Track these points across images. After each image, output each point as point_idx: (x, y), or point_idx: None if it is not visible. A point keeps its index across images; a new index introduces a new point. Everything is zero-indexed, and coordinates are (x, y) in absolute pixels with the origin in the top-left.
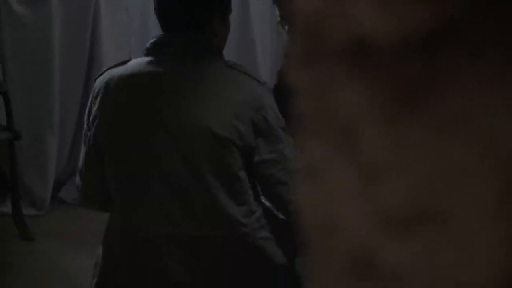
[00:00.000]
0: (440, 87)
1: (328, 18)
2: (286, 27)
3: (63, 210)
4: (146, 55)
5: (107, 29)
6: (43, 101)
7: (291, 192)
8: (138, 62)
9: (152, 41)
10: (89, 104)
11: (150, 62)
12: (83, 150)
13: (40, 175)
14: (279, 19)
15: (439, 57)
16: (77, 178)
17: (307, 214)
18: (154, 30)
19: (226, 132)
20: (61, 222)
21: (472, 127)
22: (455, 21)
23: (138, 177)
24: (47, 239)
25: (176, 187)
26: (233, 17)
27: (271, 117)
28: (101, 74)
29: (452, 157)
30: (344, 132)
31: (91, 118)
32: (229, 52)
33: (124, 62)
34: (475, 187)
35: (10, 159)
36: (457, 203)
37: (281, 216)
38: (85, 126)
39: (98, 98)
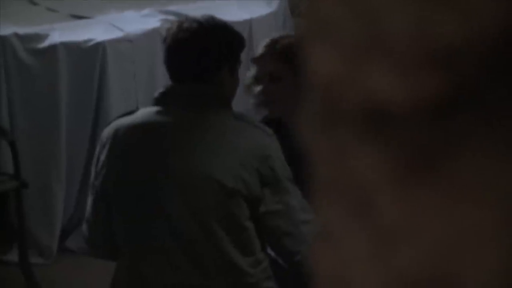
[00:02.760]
0: (455, 152)
1: (344, 83)
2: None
3: (70, 259)
4: (155, 104)
5: (114, 79)
6: (50, 150)
7: (296, 243)
8: (146, 111)
9: (161, 91)
10: (96, 153)
11: (158, 112)
12: (90, 199)
13: (47, 224)
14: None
15: (454, 122)
16: (84, 227)
17: (321, 277)
18: (161, 81)
19: (233, 183)
20: (68, 271)
21: (487, 192)
22: (469, 85)
23: (145, 227)
24: None
25: (183, 237)
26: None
27: (278, 167)
28: (109, 124)
29: (466, 222)
30: (359, 197)
31: (98, 167)
32: None
33: (132, 112)
34: (489, 252)
35: (17, 208)
36: (470, 268)
37: (286, 267)
38: (92, 175)
39: (106, 147)
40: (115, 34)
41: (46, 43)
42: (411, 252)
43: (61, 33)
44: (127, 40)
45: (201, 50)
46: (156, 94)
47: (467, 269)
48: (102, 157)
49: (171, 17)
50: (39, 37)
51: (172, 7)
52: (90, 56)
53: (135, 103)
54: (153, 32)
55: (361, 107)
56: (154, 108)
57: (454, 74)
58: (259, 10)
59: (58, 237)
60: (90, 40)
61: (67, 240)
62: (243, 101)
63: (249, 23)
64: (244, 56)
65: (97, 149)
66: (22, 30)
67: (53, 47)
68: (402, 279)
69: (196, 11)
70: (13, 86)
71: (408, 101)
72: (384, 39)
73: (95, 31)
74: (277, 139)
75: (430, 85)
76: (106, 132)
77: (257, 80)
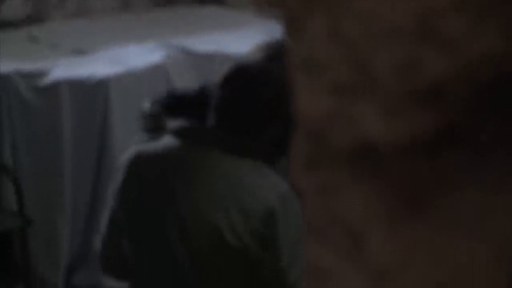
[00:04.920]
0: (445, 188)
1: (334, 122)
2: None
3: None
4: (180, 135)
5: (118, 114)
6: (54, 188)
7: None
8: (170, 143)
9: (192, 125)
10: (116, 173)
11: (181, 147)
12: (107, 215)
13: (52, 261)
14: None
15: (444, 160)
16: (98, 243)
17: None
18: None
19: (235, 241)
20: None
21: (479, 227)
22: (458, 123)
23: (150, 260)
24: None
25: (182, 282)
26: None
27: (283, 234)
28: (132, 149)
29: (459, 257)
30: (349, 236)
31: (116, 188)
32: None
33: (152, 139)
34: (483, 285)
35: (21, 246)
36: None
37: None
38: (109, 191)
39: (125, 171)
40: (118, 69)
41: (48, 80)
42: None
43: (64, 69)
44: (131, 75)
45: (245, 110)
46: (177, 125)
47: None
48: (119, 181)
49: (174, 51)
50: (41, 74)
51: (176, 41)
52: (93, 92)
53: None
54: (157, 66)
55: (351, 146)
56: (178, 141)
57: (442, 112)
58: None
59: (64, 274)
60: (92, 76)
61: (73, 277)
62: None
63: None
64: None
65: (119, 167)
66: (24, 67)
67: (55, 84)
68: None
69: (202, 44)
70: (15, 123)
71: (397, 139)
72: (373, 79)
73: (98, 66)
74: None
75: (419, 124)
76: (128, 155)
77: None
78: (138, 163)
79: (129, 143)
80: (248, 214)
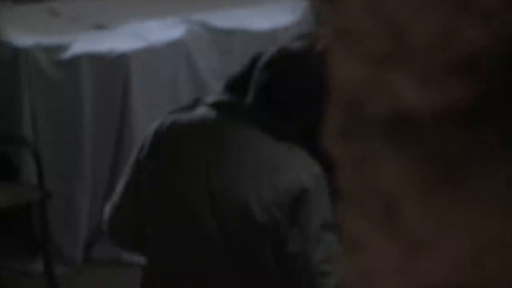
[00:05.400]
0: (480, 161)
1: (369, 91)
2: None
3: (95, 269)
4: (217, 109)
5: (138, 89)
6: (74, 161)
7: None
8: (205, 115)
9: (228, 99)
10: (144, 141)
11: (218, 121)
12: (122, 181)
13: (71, 234)
14: None
15: (479, 131)
16: (107, 209)
17: (349, 286)
18: (185, 91)
19: (263, 218)
20: (93, 282)
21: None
22: (494, 93)
23: (172, 232)
24: None
25: (207, 254)
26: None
27: (312, 212)
28: (164, 116)
29: (491, 231)
30: (384, 205)
31: (141, 155)
32: None
33: (188, 107)
34: None
35: (41, 218)
36: (498, 275)
37: None
38: (134, 159)
39: (154, 139)
40: (138, 45)
41: (69, 54)
42: (437, 261)
43: (84, 43)
44: (151, 51)
45: (290, 94)
46: (221, 98)
47: (496, 279)
48: (146, 149)
49: (194, 27)
50: (62, 48)
51: (196, 16)
52: (114, 67)
53: (159, 114)
54: (177, 42)
55: (386, 115)
56: (214, 114)
57: (477, 83)
58: (284, 19)
59: (83, 247)
60: (113, 50)
61: (92, 250)
62: None
63: (273, 32)
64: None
65: (147, 135)
66: (44, 41)
67: (76, 58)
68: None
69: (221, 19)
70: (36, 97)
71: (433, 109)
72: (409, 48)
73: (118, 41)
74: (324, 180)
75: (454, 94)
76: (160, 123)
77: None
78: (173, 131)
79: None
80: (280, 193)
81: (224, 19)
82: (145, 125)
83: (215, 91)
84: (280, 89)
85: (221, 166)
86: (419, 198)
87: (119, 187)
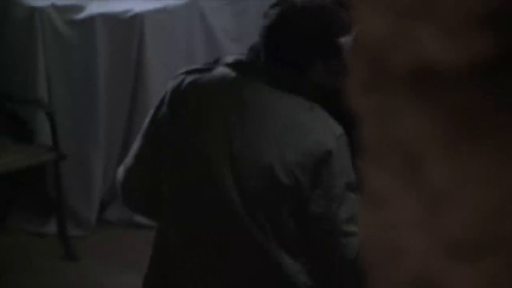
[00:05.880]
0: (503, 116)
1: (393, 44)
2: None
3: (109, 230)
4: (236, 68)
5: (152, 50)
6: (88, 122)
7: (334, 253)
8: (224, 75)
9: (243, 59)
10: (161, 100)
11: (237, 81)
12: (138, 142)
13: (85, 196)
14: None
15: (501, 86)
16: (120, 170)
17: (370, 241)
18: (200, 53)
19: (286, 179)
20: (107, 243)
21: None
22: None
23: (191, 197)
24: (92, 260)
25: (226, 214)
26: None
27: (336, 173)
28: (180, 75)
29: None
30: (407, 159)
31: (159, 115)
32: None
33: (206, 69)
34: None
35: (55, 180)
36: None
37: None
38: (149, 119)
39: (174, 100)
40: (153, 5)
41: (83, 15)
42: (460, 215)
43: (99, 4)
44: (165, 11)
45: (289, 40)
46: (231, 58)
47: None
48: (165, 108)
49: None
50: (77, 8)
51: None
52: (128, 27)
53: (173, 74)
54: (191, 2)
55: (409, 68)
56: (232, 75)
57: (501, 37)
58: None
59: (97, 209)
60: (128, 11)
61: (105, 212)
62: None
63: None
64: None
65: (165, 94)
66: (60, 1)
67: (90, 19)
68: (453, 242)
69: None
70: (51, 58)
71: (456, 62)
72: (433, 0)
73: (133, 1)
74: (346, 139)
75: (479, 46)
76: (177, 81)
77: None
78: (193, 90)
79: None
80: (303, 154)
81: None
82: (160, 86)
83: (230, 52)
84: (283, 37)
85: (243, 126)
86: (442, 151)
87: (133, 148)
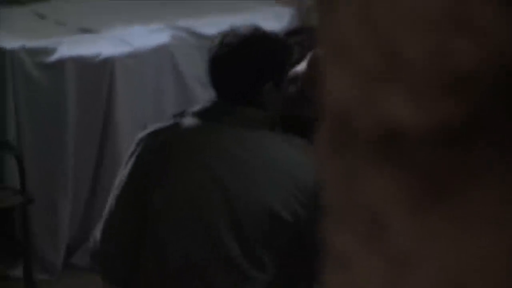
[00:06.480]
0: (469, 180)
1: (360, 106)
2: None
3: (76, 275)
4: (202, 118)
5: (122, 94)
6: (56, 166)
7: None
8: (194, 124)
9: (208, 105)
10: (131, 154)
11: (208, 128)
12: (113, 204)
13: (52, 240)
14: None
15: (469, 150)
16: (96, 237)
17: None
18: (169, 97)
19: (289, 216)
20: (73, 287)
21: (501, 223)
22: (485, 113)
23: (183, 242)
24: None
25: (222, 256)
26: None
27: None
28: (149, 132)
29: (478, 250)
30: (371, 222)
31: (135, 176)
32: None
33: (172, 124)
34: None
35: (22, 223)
36: None
37: None
38: (126, 173)
39: (150, 156)
40: (123, 49)
41: (54, 57)
42: (425, 277)
43: (69, 47)
44: (136, 56)
45: (241, 69)
46: (202, 107)
47: None
48: (143, 168)
49: (180, 33)
50: (47, 51)
51: (182, 22)
52: (99, 71)
53: (143, 119)
54: (162, 47)
55: (376, 131)
56: (200, 123)
57: (469, 101)
58: (270, 27)
59: (64, 253)
60: (98, 54)
61: (72, 257)
62: None
63: None
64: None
65: (133, 153)
66: (30, 43)
67: (61, 62)
68: None
69: (207, 27)
70: (20, 100)
71: (423, 126)
72: (402, 65)
73: (104, 45)
74: None
75: (445, 112)
76: (150, 140)
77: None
78: (171, 144)
79: (133, 124)
80: (298, 187)
81: (208, 26)
82: (129, 130)
83: (200, 97)
84: (227, 65)
85: (228, 173)
86: (406, 214)
87: (110, 207)
